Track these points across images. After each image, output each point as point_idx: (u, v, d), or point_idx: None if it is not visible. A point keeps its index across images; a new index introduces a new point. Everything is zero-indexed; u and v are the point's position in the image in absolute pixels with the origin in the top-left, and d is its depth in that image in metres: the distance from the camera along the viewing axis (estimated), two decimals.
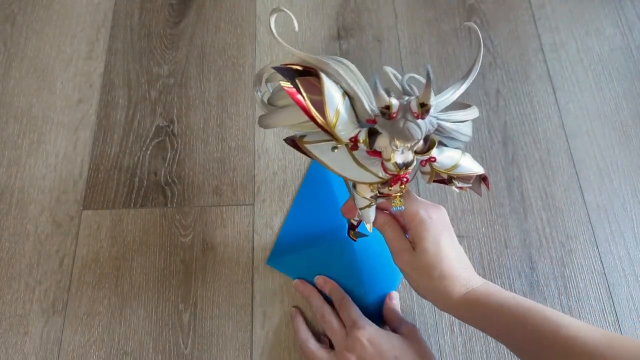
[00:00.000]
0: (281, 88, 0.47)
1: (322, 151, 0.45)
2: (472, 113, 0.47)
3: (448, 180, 0.52)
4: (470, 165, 0.49)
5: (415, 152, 0.44)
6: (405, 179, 0.46)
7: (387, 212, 0.58)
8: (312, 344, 0.66)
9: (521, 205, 0.79)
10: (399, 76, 0.49)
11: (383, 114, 0.38)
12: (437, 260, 0.52)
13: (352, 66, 0.41)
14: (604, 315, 0.72)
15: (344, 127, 0.41)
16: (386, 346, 0.62)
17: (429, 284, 0.54)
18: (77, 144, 0.82)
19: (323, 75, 0.40)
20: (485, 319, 0.52)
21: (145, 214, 0.77)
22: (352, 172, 0.45)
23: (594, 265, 0.75)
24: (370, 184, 0.47)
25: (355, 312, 0.67)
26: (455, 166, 0.48)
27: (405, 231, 0.57)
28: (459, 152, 0.48)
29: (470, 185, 0.53)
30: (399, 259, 0.56)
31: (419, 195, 0.78)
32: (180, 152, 0.81)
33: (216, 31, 0.91)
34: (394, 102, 0.38)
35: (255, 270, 0.74)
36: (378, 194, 0.51)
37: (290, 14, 0.41)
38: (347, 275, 0.72)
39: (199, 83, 0.87)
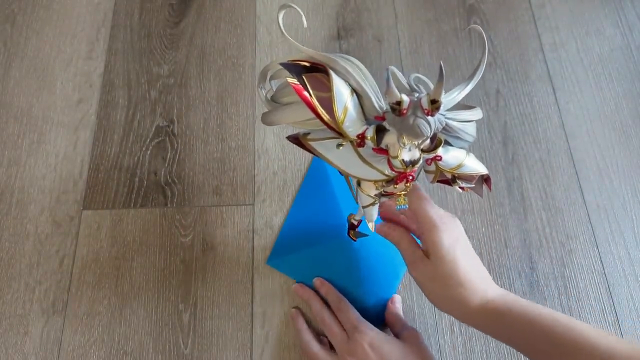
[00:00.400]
0: (286, 85, 0.47)
1: (327, 149, 0.45)
2: (477, 114, 0.48)
3: (452, 181, 0.52)
4: (475, 165, 0.49)
5: (422, 151, 0.44)
6: (411, 177, 0.46)
7: (400, 225, 0.58)
8: (315, 346, 0.66)
9: (521, 205, 0.79)
10: (404, 77, 0.49)
11: (393, 110, 0.38)
12: (453, 268, 0.51)
13: (360, 64, 0.41)
14: (604, 315, 0.72)
15: (352, 123, 0.41)
16: (387, 350, 0.62)
17: (445, 292, 0.53)
18: (77, 144, 0.81)
19: (332, 72, 0.40)
20: (506, 330, 0.52)
21: (145, 214, 0.77)
22: (358, 169, 0.45)
23: (594, 265, 0.75)
24: (376, 181, 0.47)
25: (354, 315, 0.67)
26: (459, 165, 0.48)
27: (417, 236, 0.57)
28: (463, 151, 0.48)
29: (473, 185, 0.53)
30: (414, 269, 0.55)
31: None
32: (180, 152, 0.81)
33: (216, 31, 0.91)
34: (405, 98, 0.38)
35: (255, 270, 0.74)
36: (383, 192, 0.51)
37: (299, 10, 0.41)
38: (347, 276, 0.72)
39: (199, 83, 0.86)
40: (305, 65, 0.42)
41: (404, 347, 0.63)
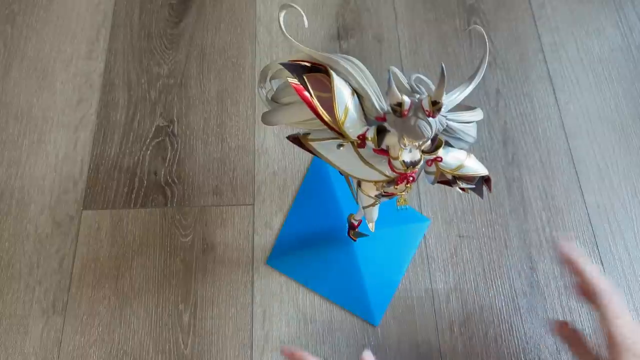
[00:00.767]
0: (286, 85, 0.47)
1: (327, 149, 0.45)
2: (478, 115, 0.47)
3: (452, 181, 0.52)
4: (476, 166, 0.49)
5: (423, 152, 0.44)
6: (411, 178, 0.46)
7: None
8: None
9: (521, 205, 0.79)
10: (405, 78, 0.49)
11: (394, 111, 0.38)
12: None
13: (360, 64, 0.41)
14: None
15: (352, 124, 0.41)
16: None
17: None
18: (77, 144, 0.81)
19: (332, 72, 0.40)
20: None
21: (145, 214, 0.77)
22: (359, 170, 0.45)
23: None
24: (376, 182, 0.47)
25: None
26: (460, 166, 0.48)
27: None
28: (464, 152, 0.48)
29: (473, 186, 0.53)
30: None
31: (419, 195, 0.78)
32: (180, 152, 0.81)
33: (216, 31, 0.91)
34: (407, 99, 0.38)
35: (255, 270, 0.74)
36: (383, 193, 0.51)
37: (300, 10, 0.41)
38: (347, 276, 0.72)
39: (199, 83, 0.86)
40: (305, 66, 0.42)
41: None
